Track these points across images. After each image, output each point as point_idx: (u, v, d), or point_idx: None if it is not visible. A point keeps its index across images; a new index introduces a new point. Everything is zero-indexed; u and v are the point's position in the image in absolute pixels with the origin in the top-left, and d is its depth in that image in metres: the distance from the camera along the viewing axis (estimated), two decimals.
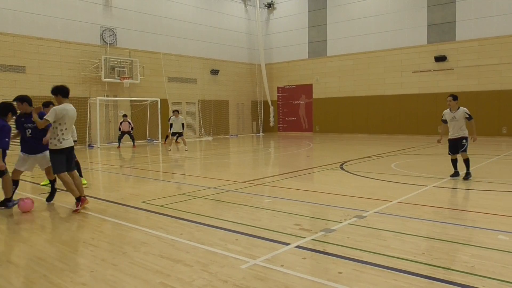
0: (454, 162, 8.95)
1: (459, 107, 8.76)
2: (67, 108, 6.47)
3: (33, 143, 6.83)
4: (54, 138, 6.36)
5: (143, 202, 6.99)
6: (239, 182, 8.73)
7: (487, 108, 20.31)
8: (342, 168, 10.71)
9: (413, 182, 8.34)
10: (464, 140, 8.65)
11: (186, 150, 16.52)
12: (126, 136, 18.91)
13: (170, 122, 16.88)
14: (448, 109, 8.91)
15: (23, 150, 6.88)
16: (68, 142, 6.46)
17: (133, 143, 19.24)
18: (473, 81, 20.79)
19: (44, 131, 6.69)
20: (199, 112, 25.70)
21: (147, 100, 22.03)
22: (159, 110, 21.70)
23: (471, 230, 5.06)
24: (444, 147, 16.25)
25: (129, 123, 18.88)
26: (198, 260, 4.10)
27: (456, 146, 8.74)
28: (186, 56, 24.89)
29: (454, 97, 8.82)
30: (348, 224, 5.30)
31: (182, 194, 7.64)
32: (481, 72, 20.59)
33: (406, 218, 5.60)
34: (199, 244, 4.61)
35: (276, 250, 4.35)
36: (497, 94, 20.09)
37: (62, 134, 6.37)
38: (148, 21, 22.77)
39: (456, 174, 8.84)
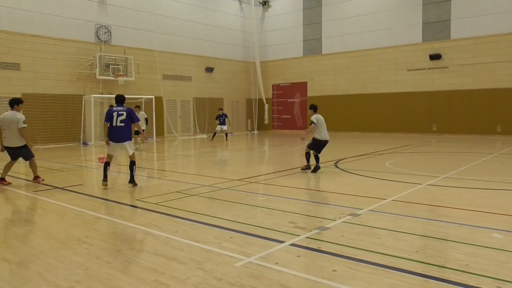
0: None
1: None
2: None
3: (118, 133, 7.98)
4: None
5: (137, 199, 6.97)
6: (233, 180, 8.72)
7: (482, 106, 20.41)
8: (336, 166, 10.73)
9: (408, 180, 8.37)
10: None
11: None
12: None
13: None
14: None
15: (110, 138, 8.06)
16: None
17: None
18: (468, 79, 20.89)
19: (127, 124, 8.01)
20: (193, 109, 25.64)
21: (142, 98, 21.94)
22: (153, 108, 21.62)
23: (465, 228, 5.09)
24: (438, 145, 16.41)
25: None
26: (193, 258, 4.09)
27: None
28: (181, 53, 24.80)
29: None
30: (343, 222, 5.32)
31: (177, 192, 7.62)
32: (476, 70, 20.69)
33: (400, 216, 5.62)
34: (193, 242, 4.60)
35: (271, 248, 4.36)
36: (491, 92, 20.20)
37: None
38: (143, 18, 22.65)
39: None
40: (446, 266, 3.81)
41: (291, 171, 10.14)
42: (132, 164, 8.07)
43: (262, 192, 7.62)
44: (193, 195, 7.32)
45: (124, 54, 21.51)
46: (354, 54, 25.00)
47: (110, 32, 21.11)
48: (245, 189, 7.77)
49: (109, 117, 7.97)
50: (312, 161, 9.96)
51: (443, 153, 13.92)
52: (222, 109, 21.02)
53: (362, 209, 5.97)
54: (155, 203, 6.65)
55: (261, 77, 28.63)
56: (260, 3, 29.17)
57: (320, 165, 9.82)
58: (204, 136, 24.71)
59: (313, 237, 4.70)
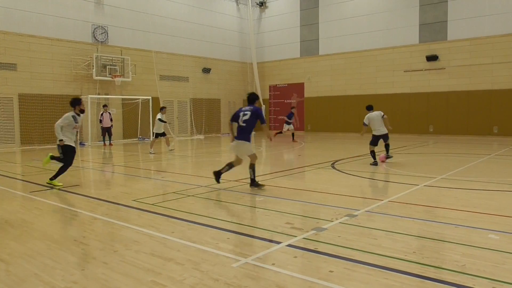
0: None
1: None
2: None
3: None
4: None
5: (134, 200, 6.96)
6: (230, 180, 8.72)
7: (479, 107, 20.49)
8: (333, 167, 10.75)
9: (404, 181, 8.39)
10: None
11: (172, 149, 16.07)
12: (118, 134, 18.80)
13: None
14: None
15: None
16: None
17: (110, 140, 19.06)
18: (465, 80, 20.97)
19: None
20: (190, 110, 25.62)
21: (139, 99, 21.91)
22: (150, 109, 21.59)
23: (462, 229, 5.11)
24: (435, 146, 16.46)
25: (110, 114, 18.94)
26: (190, 259, 4.09)
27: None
28: (178, 54, 24.79)
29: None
30: (340, 223, 5.32)
31: (174, 192, 7.61)
32: (473, 71, 20.77)
33: (397, 217, 5.63)
34: (190, 243, 4.59)
35: (268, 248, 4.36)
36: (488, 93, 20.28)
37: None
38: (140, 19, 22.63)
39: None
40: (443, 267, 3.82)
41: (288, 172, 10.15)
42: (252, 166, 7.83)
43: (259, 192, 7.62)
44: (190, 195, 7.31)
45: (121, 55, 21.47)
46: (351, 55, 25.05)
47: (107, 33, 21.07)
48: (242, 190, 7.77)
49: (235, 117, 7.89)
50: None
51: (440, 154, 13.96)
52: (293, 107, 21.49)
53: (359, 210, 5.98)
54: (152, 204, 6.64)
55: (258, 78, 28.65)
56: (257, 4, 29.20)
57: (319, 165, 9.84)
58: (201, 137, 24.68)
59: (310, 238, 4.70)
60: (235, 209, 6.24)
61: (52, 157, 8.42)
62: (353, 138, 21.91)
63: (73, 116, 8.34)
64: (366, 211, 5.95)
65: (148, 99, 21.67)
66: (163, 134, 15.77)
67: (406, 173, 9.54)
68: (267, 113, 29.44)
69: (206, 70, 26.51)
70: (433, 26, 21.91)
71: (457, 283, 3.45)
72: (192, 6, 25.53)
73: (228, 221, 5.49)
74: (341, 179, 9.04)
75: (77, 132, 8.76)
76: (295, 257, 4.14)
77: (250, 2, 28.29)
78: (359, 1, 24.59)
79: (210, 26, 26.62)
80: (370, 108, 12.15)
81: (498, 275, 3.60)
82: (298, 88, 27.84)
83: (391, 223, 5.36)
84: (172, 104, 24.53)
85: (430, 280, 3.52)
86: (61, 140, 8.13)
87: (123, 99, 21.78)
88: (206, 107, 26.44)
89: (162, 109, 16.01)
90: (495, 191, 7.48)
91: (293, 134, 20.32)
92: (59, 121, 8.26)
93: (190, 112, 25.60)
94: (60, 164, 8.39)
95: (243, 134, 7.75)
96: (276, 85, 29.12)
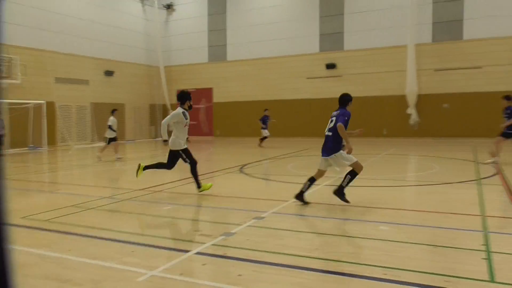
0: None
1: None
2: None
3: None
4: None
5: (23, 217, 6.26)
6: (135, 190, 8.35)
7: (371, 111, 22.45)
8: (242, 171, 10.90)
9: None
10: None
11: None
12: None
13: None
14: None
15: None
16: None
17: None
18: (360, 87, 22.81)
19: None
20: (91, 116, 24.04)
21: (30, 103, 19.93)
22: (44, 114, 19.79)
23: (357, 223, 5.51)
24: None
25: (2, 121, 17.01)
26: (91, 278, 3.80)
27: None
28: (77, 55, 23.14)
29: None
30: (248, 226, 5.40)
31: (72, 206, 7.04)
32: (367, 79, 22.70)
33: (301, 217, 5.89)
34: (91, 260, 4.27)
35: (175, 258, 4.24)
36: (379, 99, 22.32)
37: None
38: (33, 14, 20.66)
39: None
40: (342, 260, 4.08)
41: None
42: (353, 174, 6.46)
43: (167, 201, 7.40)
44: (91, 208, 6.82)
45: (8, 54, 19.37)
46: (258, 62, 25.76)
47: None
48: (148, 199, 7.48)
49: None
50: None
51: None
52: (267, 109, 19.61)
53: (266, 211, 6.13)
54: (46, 220, 6.05)
55: (166, 82, 28.01)
56: (164, 6, 28.56)
57: (228, 170, 9.88)
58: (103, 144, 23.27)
59: (218, 244, 4.68)
60: (141, 220, 5.98)
61: (146, 167, 7.70)
62: (252, 141, 22.46)
63: (183, 113, 7.43)
64: (273, 212, 6.11)
65: (42, 104, 19.82)
66: (115, 139, 14.49)
67: (309, 174, 10.02)
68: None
69: (109, 73, 25.15)
70: (331, 36, 23.52)
71: (354, 273, 3.71)
72: (93, 5, 24.04)
73: (134, 233, 5.23)
74: (249, 182, 9.19)
75: (188, 129, 7.69)
76: (204, 264, 4.09)
77: (156, 4, 27.57)
78: (266, 10, 25.42)
79: (114, 27, 25.33)
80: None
81: (388, 262, 3.95)
82: (207, 93, 27.81)
83: (296, 222, 5.58)
84: (70, 109, 22.78)
85: (331, 273, 3.74)
86: (165, 141, 7.49)
87: (10, 104, 19.63)
88: (109, 112, 25.03)
89: (113, 111, 14.67)
90: (385, 187, 8.23)
91: (263, 138, 19.31)
92: (167, 118, 7.40)
93: (91, 118, 24.00)
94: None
95: (329, 144, 6.42)
96: (184, 90, 28.71)
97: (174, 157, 7.61)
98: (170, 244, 4.75)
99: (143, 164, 7.83)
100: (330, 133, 6.43)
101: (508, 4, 19.38)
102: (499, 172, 9.53)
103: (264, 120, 18.56)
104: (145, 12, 27.95)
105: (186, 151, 7.56)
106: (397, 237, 4.92)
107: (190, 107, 7.66)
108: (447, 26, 20.88)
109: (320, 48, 23.91)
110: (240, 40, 26.28)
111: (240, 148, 19.41)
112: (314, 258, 4.16)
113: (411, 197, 7.75)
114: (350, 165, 6.39)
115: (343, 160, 6.36)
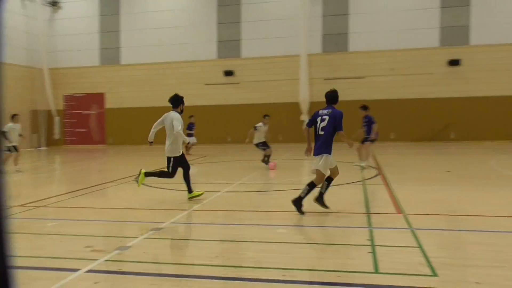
0: None
1: None
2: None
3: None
4: None
5: None
6: (14, 206, 7.43)
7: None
8: (137, 181, 10.39)
9: (207, 189, 8.75)
10: None
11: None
12: None
13: None
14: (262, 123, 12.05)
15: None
16: None
17: None
18: (257, 94, 23.51)
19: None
20: None
21: None
22: None
23: (256, 228, 5.62)
24: (234, 154, 17.89)
25: None
26: None
27: None
28: None
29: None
30: (145, 238, 5.14)
31: None
32: (263, 86, 23.49)
33: (201, 225, 5.81)
34: None
35: (63, 279, 3.83)
36: (275, 106, 23.17)
37: None
38: None
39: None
40: (242, 265, 4.11)
41: (88, 190, 9.31)
42: (330, 180, 6.19)
43: (52, 216, 6.72)
44: None
45: None
46: (154, 66, 24.99)
47: None
48: (29, 216, 6.70)
49: (312, 121, 6.25)
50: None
51: (238, 161, 15.23)
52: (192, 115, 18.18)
53: (164, 222, 5.92)
54: None
55: (50, 86, 25.61)
56: (48, 3, 26.09)
57: (122, 180, 9.36)
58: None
59: (113, 259, 4.37)
60: (21, 240, 5.31)
61: (147, 174, 7.45)
62: (158, 150, 21.81)
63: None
64: (171, 222, 5.93)
65: None
66: (15, 149, 12.30)
67: (208, 181, 10.00)
68: (62, 125, 26.54)
69: None
70: (229, 43, 23.90)
71: (254, 277, 3.75)
72: None
73: (13, 256, 4.62)
74: (145, 192, 8.81)
75: None
76: (96, 282, 3.77)
77: None
78: (162, 13, 24.80)
79: None
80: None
81: (286, 264, 4.08)
82: (98, 98, 26.10)
83: (195, 231, 5.49)
84: None
85: (232, 279, 3.73)
86: (151, 142, 7.63)
87: None
88: None
89: (13, 116, 12.50)
90: (282, 191, 8.57)
91: (187, 145, 18.63)
92: (180, 126, 7.14)
93: None
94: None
95: (322, 144, 6.10)
96: (73, 94, 26.60)
97: (175, 164, 7.41)
98: (57, 263, 4.29)
99: (143, 170, 7.49)
100: (322, 132, 6.14)
101: (385, 20, 21.74)
102: (380, 172, 10.57)
103: (190, 127, 18.22)
104: (25, 8, 25.24)
105: (180, 158, 7.43)
106: (294, 238, 5.13)
107: (182, 111, 7.54)
108: (335, 38, 22.70)
109: (218, 54, 24.14)
110: (135, 43, 25.25)
111: (135, 156, 18.56)
112: (214, 265, 4.12)
113: (307, 199, 8.16)
114: (331, 169, 6.22)
115: (327, 165, 6.14)
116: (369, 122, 11.39)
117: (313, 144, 6.26)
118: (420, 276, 3.73)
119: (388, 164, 12.22)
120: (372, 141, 11.42)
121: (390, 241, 4.90)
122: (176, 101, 7.56)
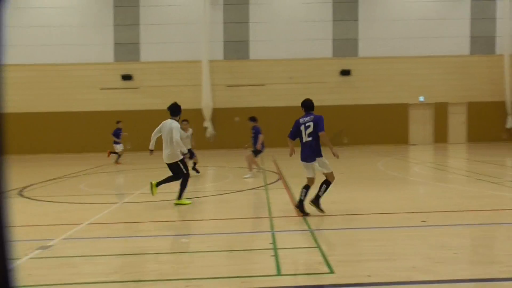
0: None
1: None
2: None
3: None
4: None
5: None
6: None
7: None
8: (21, 195, 9.31)
9: (104, 201, 8.20)
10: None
11: None
12: None
13: None
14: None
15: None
16: None
17: None
18: (158, 100, 22.77)
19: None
20: None
21: None
22: None
23: (159, 239, 5.39)
24: (134, 162, 17.04)
25: None
26: None
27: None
28: None
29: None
30: (31, 258, 4.59)
31: None
32: (164, 92, 22.85)
33: (97, 239, 5.39)
34: None
35: None
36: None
37: None
38: None
39: None
40: (143, 279, 3.89)
41: None
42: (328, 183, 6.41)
43: None
44: None
45: None
46: (42, 68, 22.73)
47: None
48: None
49: (295, 132, 6.51)
50: None
51: (139, 170, 14.55)
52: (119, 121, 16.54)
53: (54, 239, 5.35)
54: None
55: None
56: None
57: (40, 184, 8.25)
58: None
59: None
60: None
61: (158, 184, 7.55)
62: (45, 159, 19.94)
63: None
64: (63, 239, 5.39)
65: None
66: None
67: (106, 192, 9.39)
68: None
69: None
70: (127, 46, 22.83)
71: None
72: None
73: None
74: (31, 207, 7.92)
75: None
76: None
77: None
78: (51, 10, 22.70)
79: None
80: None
81: (189, 274, 3.98)
82: None
83: (91, 247, 5.07)
84: None
85: None
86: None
87: None
88: None
89: None
90: (187, 199, 8.40)
91: (115, 153, 16.56)
92: (178, 135, 7.46)
93: None
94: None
95: (313, 151, 6.33)
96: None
97: (183, 164, 7.68)
98: None
99: (154, 182, 7.61)
100: (310, 138, 6.37)
101: (284, 30, 22.70)
102: (281, 177, 10.96)
103: (117, 133, 16.61)
104: None
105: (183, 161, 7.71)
106: (197, 247, 5.02)
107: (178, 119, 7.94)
108: (236, 45, 23.08)
109: (115, 57, 22.91)
110: (20, 41, 22.71)
111: (19, 167, 16.63)
112: (111, 282, 3.84)
113: (210, 208, 8.08)
114: (326, 173, 6.42)
115: (326, 164, 6.41)
116: (256, 133, 11.54)
117: (296, 148, 6.56)
118: (319, 275, 3.91)
119: (289, 169, 12.73)
120: (258, 152, 11.26)
121: (291, 243, 5.06)
122: (176, 110, 7.85)
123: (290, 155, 6.70)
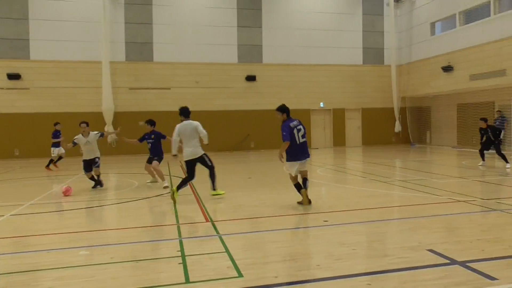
0: None
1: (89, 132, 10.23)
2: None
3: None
4: None
5: None
6: None
7: (65, 129, 20.91)
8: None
9: None
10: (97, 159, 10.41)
11: None
12: None
13: None
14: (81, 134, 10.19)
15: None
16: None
17: None
18: (50, 102, 20.86)
19: None
20: None
21: None
22: None
23: (54, 253, 4.90)
24: (22, 170, 15.35)
25: None
26: None
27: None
28: None
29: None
30: None
31: None
32: (58, 94, 20.99)
33: None
34: None
35: None
36: (73, 116, 20.86)
37: None
38: None
39: None
40: None
41: None
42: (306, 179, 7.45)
43: None
44: None
45: None
46: None
47: None
48: None
49: (291, 136, 7.14)
50: None
51: (29, 178, 13.18)
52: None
53: None
54: None
55: None
56: None
57: None
58: None
59: None
60: None
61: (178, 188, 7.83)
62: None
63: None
64: None
65: None
66: None
67: (4, 204, 8.31)
68: None
69: None
70: (14, 42, 20.52)
71: None
72: None
73: None
74: None
75: None
76: None
77: None
78: None
79: None
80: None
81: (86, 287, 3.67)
82: None
83: None
84: None
85: None
86: (175, 155, 8.16)
87: None
88: None
89: None
90: (83, 209, 7.80)
91: (56, 160, 14.64)
92: (204, 130, 8.08)
93: None
94: None
95: (307, 150, 7.45)
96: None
97: (193, 166, 8.20)
98: None
99: (174, 188, 7.91)
100: (304, 139, 7.33)
101: (189, 34, 22.41)
102: (189, 184, 10.73)
103: (57, 135, 14.79)
104: None
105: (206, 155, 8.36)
106: (99, 259, 4.67)
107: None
108: (140, 47, 22.16)
109: None
110: None
111: None
112: None
113: (111, 216, 7.62)
114: (305, 171, 7.51)
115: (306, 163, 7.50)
116: (158, 138, 11.06)
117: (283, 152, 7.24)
118: (228, 279, 3.90)
119: (196, 175, 12.56)
120: (161, 159, 10.90)
121: (200, 249, 4.99)
122: (188, 112, 8.49)
123: (281, 160, 7.40)
